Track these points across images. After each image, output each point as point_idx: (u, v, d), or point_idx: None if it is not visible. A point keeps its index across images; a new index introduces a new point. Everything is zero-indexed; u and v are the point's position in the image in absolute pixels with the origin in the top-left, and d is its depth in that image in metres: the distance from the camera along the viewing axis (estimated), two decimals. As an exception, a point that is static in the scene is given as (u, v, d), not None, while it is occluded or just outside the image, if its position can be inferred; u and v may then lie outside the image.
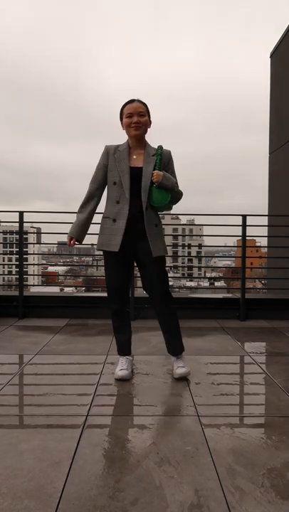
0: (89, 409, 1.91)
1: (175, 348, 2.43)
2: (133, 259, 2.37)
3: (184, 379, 2.35)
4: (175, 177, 2.38)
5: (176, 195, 2.34)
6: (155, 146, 2.36)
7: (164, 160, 2.32)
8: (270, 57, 7.62)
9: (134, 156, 2.32)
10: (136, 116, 2.27)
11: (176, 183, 2.35)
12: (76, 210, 2.42)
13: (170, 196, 2.28)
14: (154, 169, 2.27)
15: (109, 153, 2.33)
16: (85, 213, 2.36)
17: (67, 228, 2.48)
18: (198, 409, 1.93)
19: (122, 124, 2.34)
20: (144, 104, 2.32)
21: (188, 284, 30.44)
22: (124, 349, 2.45)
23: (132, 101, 2.32)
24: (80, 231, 2.37)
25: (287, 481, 1.36)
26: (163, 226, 2.40)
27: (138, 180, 2.26)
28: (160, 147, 2.34)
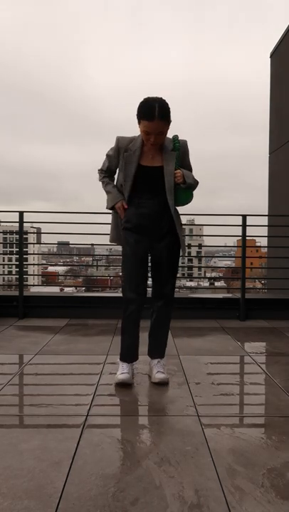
0: (89, 409, 1.91)
1: (160, 352, 2.36)
2: (148, 256, 2.30)
3: (183, 380, 2.34)
4: (191, 167, 2.30)
5: (195, 188, 2.29)
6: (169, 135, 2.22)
7: (181, 153, 2.21)
8: (270, 57, 7.62)
9: (151, 155, 2.17)
10: (153, 137, 2.06)
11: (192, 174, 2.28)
12: (75, 210, 2.39)
13: (192, 194, 2.25)
14: (175, 167, 2.15)
15: (120, 150, 2.18)
16: (112, 184, 2.27)
17: (67, 228, 2.47)
18: (198, 409, 1.93)
19: (138, 124, 2.11)
20: (165, 118, 2.04)
21: (188, 284, 30.42)
22: (130, 355, 2.31)
23: (151, 117, 1.99)
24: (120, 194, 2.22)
25: (287, 481, 1.36)
26: None
27: (157, 179, 2.15)
28: (176, 138, 2.19)
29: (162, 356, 2.38)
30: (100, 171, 2.34)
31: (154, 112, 2.00)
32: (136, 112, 2.10)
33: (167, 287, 2.29)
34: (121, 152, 2.19)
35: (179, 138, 2.23)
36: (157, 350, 2.38)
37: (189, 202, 2.27)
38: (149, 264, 2.34)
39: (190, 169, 2.29)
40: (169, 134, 2.21)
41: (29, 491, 1.29)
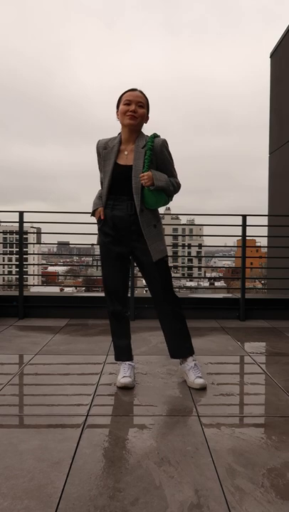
0: (89, 409, 1.91)
1: (187, 350, 2.29)
2: (130, 259, 2.29)
3: (183, 379, 2.34)
4: (173, 167, 2.21)
5: (172, 191, 2.19)
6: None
7: (155, 152, 2.13)
8: (270, 57, 7.62)
9: (126, 153, 2.17)
10: (134, 105, 2.12)
11: (174, 173, 2.21)
12: (71, 210, 2.38)
13: (164, 197, 2.15)
14: (142, 167, 2.09)
15: (100, 150, 2.21)
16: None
17: (67, 228, 2.47)
18: (198, 409, 1.93)
19: (117, 112, 2.19)
20: (145, 96, 2.19)
21: (188, 284, 30.43)
22: (126, 355, 2.32)
23: (133, 89, 2.17)
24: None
25: (287, 481, 1.36)
26: (163, 226, 2.31)
27: (129, 179, 2.11)
28: (153, 136, 2.16)
29: (192, 352, 2.30)
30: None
31: (135, 88, 2.19)
32: (116, 105, 2.21)
33: (161, 289, 2.22)
34: (101, 152, 2.21)
35: (167, 140, 2.19)
36: (183, 349, 2.29)
37: (161, 205, 2.16)
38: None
39: (170, 170, 2.21)
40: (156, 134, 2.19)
41: (29, 491, 1.29)
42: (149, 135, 2.19)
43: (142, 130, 2.23)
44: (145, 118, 2.19)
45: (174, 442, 1.61)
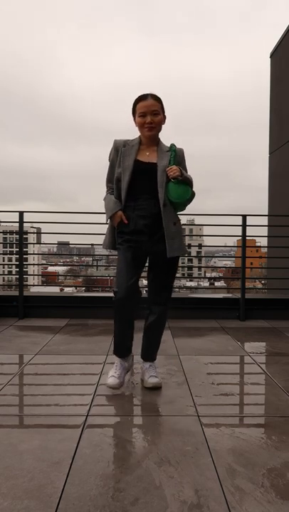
0: (89, 409, 1.91)
1: (152, 355, 2.33)
2: (145, 259, 2.23)
3: (183, 380, 2.34)
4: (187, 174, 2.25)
5: (193, 192, 2.21)
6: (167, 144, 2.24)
7: (177, 157, 2.19)
8: (270, 57, 7.62)
9: (148, 153, 2.18)
10: (149, 116, 2.11)
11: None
12: (71, 210, 2.31)
13: (190, 190, 2.15)
14: (169, 163, 2.13)
15: (119, 147, 2.19)
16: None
17: (67, 228, 2.45)
18: (198, 409, 1.93)
19: (134, 121, 2.19)
20: (158, 100, 2.15)
21: (188, 284, 30.42)
22: (121, 349, 2.23)
23: (144, 97, 2.14)
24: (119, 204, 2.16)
25: (287, 481, 1.36)
26: None
27: (152, 176, 2.11)
28: (173, 145, 2.22)
29: (154, 359, 2.34)
30: (106, 184, 2.30)
31: (146, 94, 2.16)
32: (131, 112, 2.20)
33: (164, 291, 2.24)
34: (120, 149, 2.20)
35: (171, 142, 2.24)
36: (149, 353, 2.33)
37: (186, 199, 2.15)
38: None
39: None
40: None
41: (29, 491, 1.29)
42: (168, 145, 2.23)
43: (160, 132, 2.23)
44: (163, 121, 2.19)
45: (174, 442, 1.61)
